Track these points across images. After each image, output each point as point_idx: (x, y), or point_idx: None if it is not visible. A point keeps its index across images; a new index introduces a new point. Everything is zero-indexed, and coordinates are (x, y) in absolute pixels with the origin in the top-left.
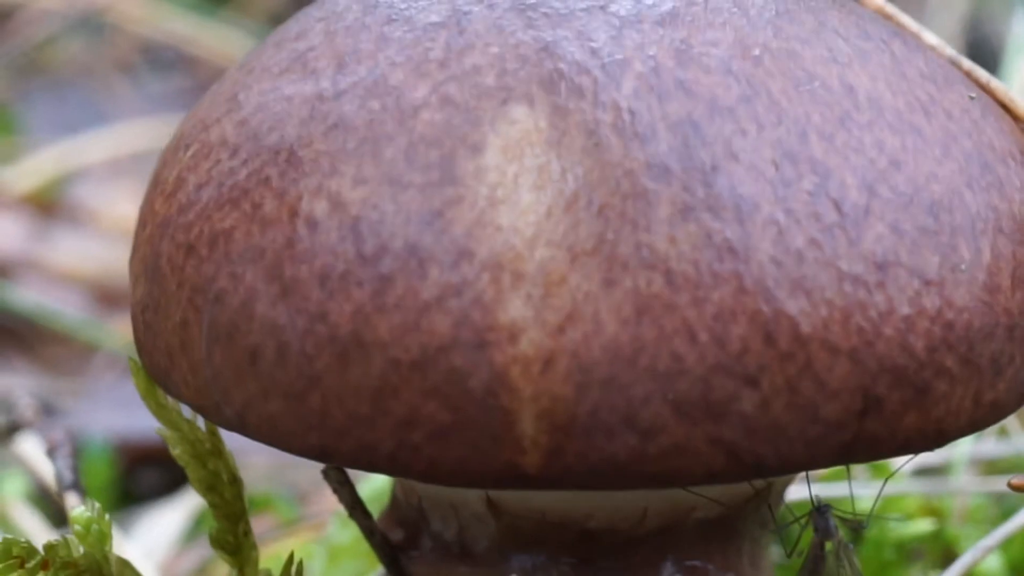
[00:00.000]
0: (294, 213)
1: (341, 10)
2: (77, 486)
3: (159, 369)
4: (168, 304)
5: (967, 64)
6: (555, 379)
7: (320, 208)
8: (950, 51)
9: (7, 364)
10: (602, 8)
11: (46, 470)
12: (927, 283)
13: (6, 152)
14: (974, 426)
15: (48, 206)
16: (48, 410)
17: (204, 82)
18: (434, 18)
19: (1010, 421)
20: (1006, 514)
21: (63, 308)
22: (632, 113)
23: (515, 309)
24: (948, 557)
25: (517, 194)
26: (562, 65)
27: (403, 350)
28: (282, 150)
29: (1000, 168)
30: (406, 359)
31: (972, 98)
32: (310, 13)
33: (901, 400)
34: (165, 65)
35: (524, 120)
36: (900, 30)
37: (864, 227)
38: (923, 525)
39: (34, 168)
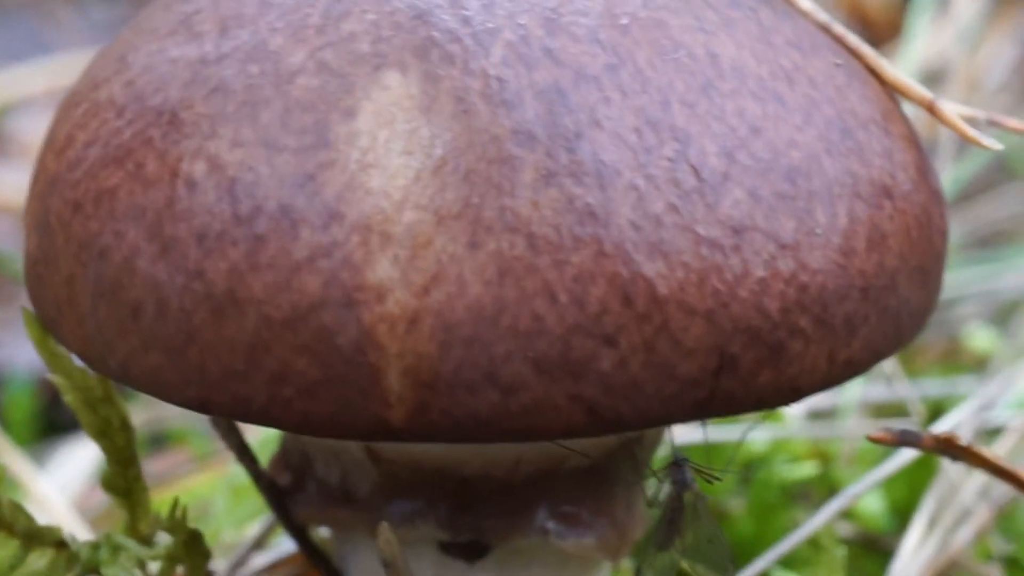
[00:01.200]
0: (174, 173)
1: None
2: None
3: (49, 319)
4: (56, 258)
5: (838, 29)
6: (420, 337)
7: (199, 169)
8: (822, 16)
9: None
10: None
11: None
12: (782, 247)
13: None
14: (828, 383)
15: None
16: None
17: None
18: None
19: (897, 367)
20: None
21: None
22: (500, 80)
23: (383, 270)
24: (833, 494)
25: (387, 158)
26: (435, 33)
27: (275, 308)
28: (165, 112)
29: (861, 134)
30: (278, 316)
31: (838, 65)
32: None
33: (756, 359)
34: None
35: (396, 87)
36: None
37: (722, 193)
38: (807, 468)
39: None
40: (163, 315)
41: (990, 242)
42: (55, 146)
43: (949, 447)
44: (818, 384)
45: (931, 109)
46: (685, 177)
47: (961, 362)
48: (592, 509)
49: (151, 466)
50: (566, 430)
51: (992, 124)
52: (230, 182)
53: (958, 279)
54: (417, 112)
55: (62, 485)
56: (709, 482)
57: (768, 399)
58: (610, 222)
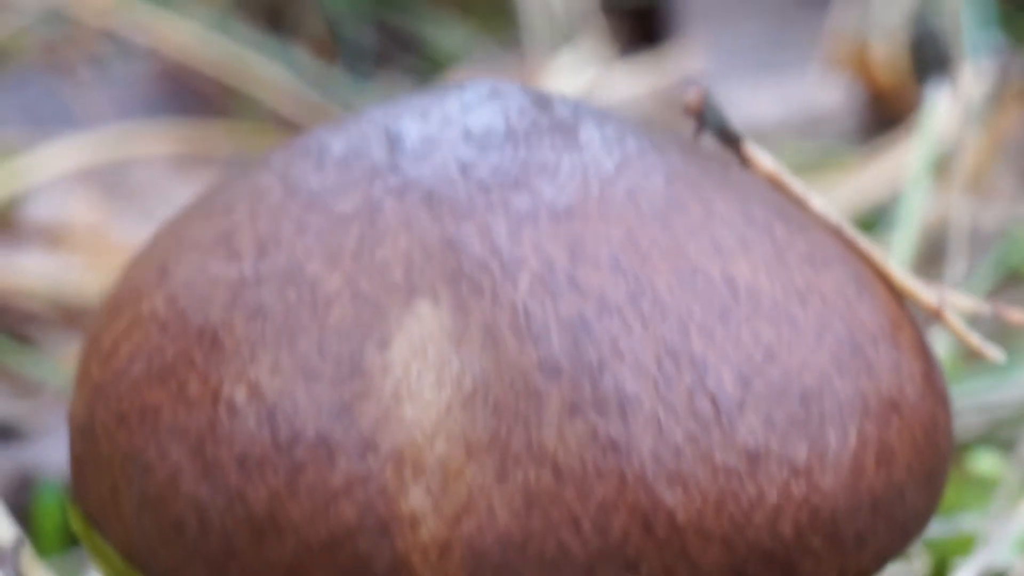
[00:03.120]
0: (216, 397)
1: (264, 189)
2: None
3: (93, 516)
4: (101, 465)
5: (849, 233)
6: (451, 564)
7: (240, 394)
8: (834, 218)
9: None
10: (504, 204)
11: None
12: (795, 472)
13: None
14: None
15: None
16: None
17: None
18: (349, 208)
19: None
20: None
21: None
22: (527, 312)
23: (416, 499)
24: None
25: (420, 390)
26: (465, 262)
27: (314, 533)
28: (207, 332)
29: (870, 349)
30: (316, 541)
31: (848, 278)
32: (236, 186)
33: None
34: (128, 53)
35: (428, 317)
36: (785, 205)
37: (738, 420)
38: None
39: None
40: (206, 533)
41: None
42: (100, 354)
43: None
44: None
45: (938, 315)
46: (703, 405)
47: (966, 486)
48: None
49: None
50: None
51: (997, 315)
52: (270, 409)
53: (959, 390)
54: (448, 344)
55: None
56: None
57: None
58: (632, 453)
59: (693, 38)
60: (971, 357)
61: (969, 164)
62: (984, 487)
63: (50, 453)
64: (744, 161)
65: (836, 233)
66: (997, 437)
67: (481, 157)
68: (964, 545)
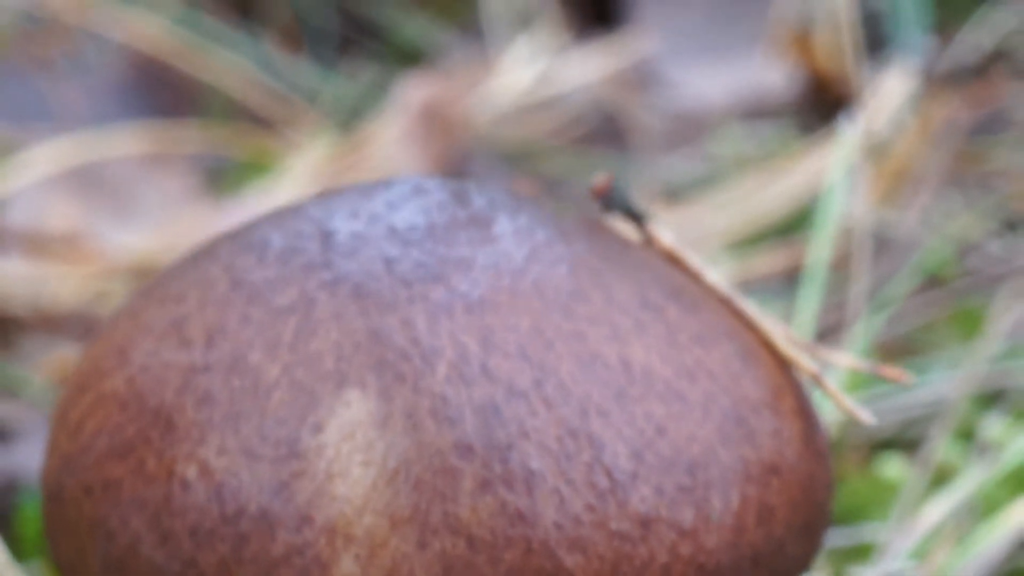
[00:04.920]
0: (170, 474)
1: (212, 280)
2: None
3: (64, 572)
4: (69, 528)
5: (739, 304)
6: None
7: (191, 472)
8: (725, 291)
9: None
10: (424, 297)
11: None
12: (682, 534)
13: None
14: None
15: None
16: None
17: (139, 62)
18: (286, 302)
19: None
20: None
21: None
22: (444, 399)
23: (346, 566)
24: None
25: (350, 469)
26: (388, 352)
27: None
28: (161, 414)
29: (752, 419)
30: None
31: (734, 353)
32: (187, 275)
33: None
34: (102, 48)
35: (356, 403)
36: (681, 283)
37: (631, 490)
38: None
39: None
40: None
41: (909, 351)
42: (67, 428)
43: None
44: None
45: (817, 381)
46: (600, 479)
47: (874, 490)
48: None
49: None
50: None
51: (876, 373)
52: (217, 486)
53: (870, 393)
54: (374, 428)
55: None
56: None
57: None
58: (537, 523)
59: (645, 22)
60: (883, 361)
61: (898, 155)
62: (892, 491)
63: (30, 457)
64: (646, 239)
65: (727, 305)
66: (906, 439)
67: (404, 253)
68: (864, 553)
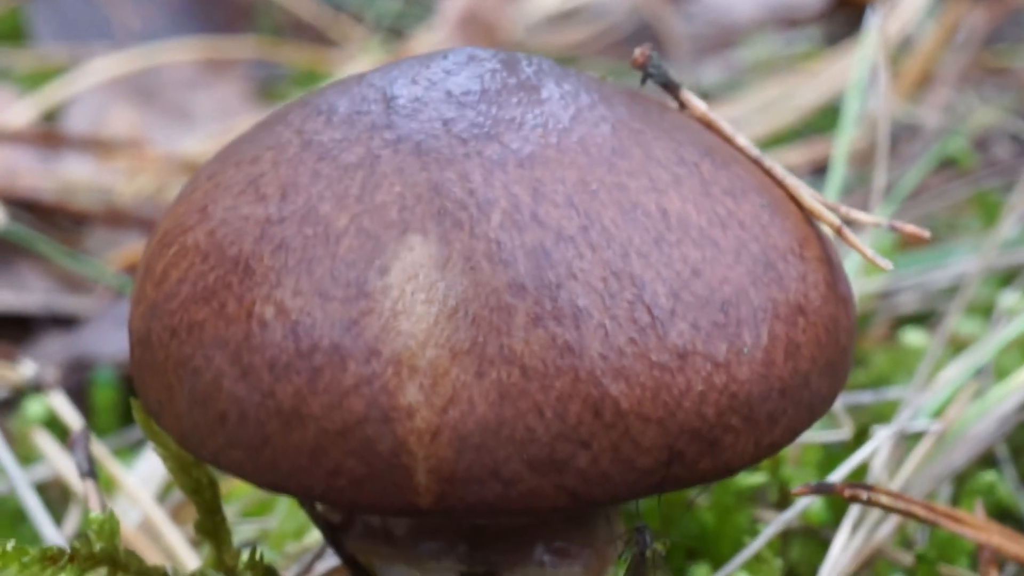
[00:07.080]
0: (249, 314)
1: (284, 142)
2: (92, 474)
3: (151, 409)
4: (157, 370)
5: (768, 162)
6: (441, 445)
7: (268, 312)
8: (755, 151)
9: (20, 280)
10: (479, 153)
11: (61, 405)
12: (717, 365)
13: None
14: (756, 461)
15: (49, 133)
16: (59, 321)
17: None
18: (353, 159)
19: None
20: (831, 460)
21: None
22: (498, 243)
23: (411, 394)
24: (783, 494)
25: (413, 307)
26: (447, 203)
27: (330, 422)
28: (240, 262)
29: (780, 264)
30: (332, 429)
31: (763, 205)
32: (261, 139)
33: (697, 451)
34: None
35: (419, 248)
36: (714, 143)
37: (670, 326)
38: (758, 477)
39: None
40: (243, 423)
41: (933, 237)
42: (153, 277)
43: (855, 498)
44: (747, 463)
45: (839, 232)
46: (641, 315)
47: (899, 358)
48: (579, 543)
49: None
50: (553, 509)
51: (896, 229)
52: (293, 324)
53: (896, 274)
54: (435, 269)
55: (145, 477)
56: (664, 544)
57: (708, 478)
58: (584, 354)
59: None
60: (907, 244)
61: (919, 57)
62: (915, 358)
63: (102, 341)
64: (681, 105)
65: (756, 165)
66: (927, 313)
67: (460, 114)
68: (889, 411)
